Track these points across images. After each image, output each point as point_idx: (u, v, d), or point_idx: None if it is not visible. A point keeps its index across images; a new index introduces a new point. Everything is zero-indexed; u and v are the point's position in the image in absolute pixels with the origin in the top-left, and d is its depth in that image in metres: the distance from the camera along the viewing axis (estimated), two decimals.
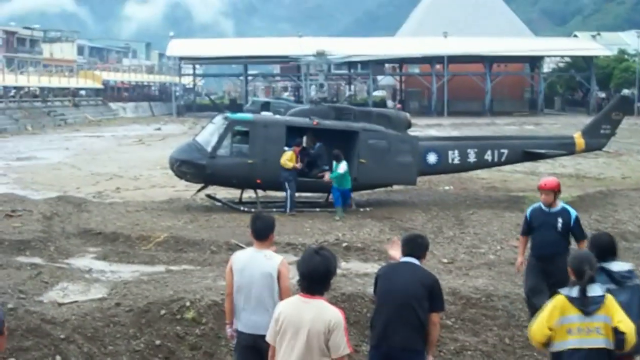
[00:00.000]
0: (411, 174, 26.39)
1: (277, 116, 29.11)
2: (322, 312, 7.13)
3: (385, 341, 8.38)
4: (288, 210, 24.19)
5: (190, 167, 25.26)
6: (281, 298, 8.47)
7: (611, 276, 8.61)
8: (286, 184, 24.36)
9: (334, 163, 24.14)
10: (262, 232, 8.93)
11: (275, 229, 9.22)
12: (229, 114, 26.91)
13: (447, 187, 31.17)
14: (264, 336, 7.87)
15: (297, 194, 24.80)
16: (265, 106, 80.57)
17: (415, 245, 8.82)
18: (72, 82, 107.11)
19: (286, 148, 24.76)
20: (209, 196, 26.13)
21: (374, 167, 25.13)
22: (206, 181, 25.63)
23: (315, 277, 7.21)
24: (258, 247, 8.91)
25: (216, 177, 25.27)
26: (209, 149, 25.01)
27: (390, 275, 8.74)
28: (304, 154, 25.88)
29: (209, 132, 26.03)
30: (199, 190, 26.19)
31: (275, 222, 9.22)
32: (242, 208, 24.94)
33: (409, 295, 8.37)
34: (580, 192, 29.18)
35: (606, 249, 8.96)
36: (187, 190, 28.06)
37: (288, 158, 24.16)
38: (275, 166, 24.38)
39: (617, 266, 8.77)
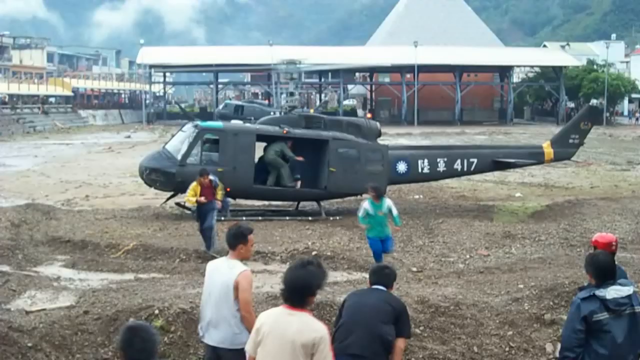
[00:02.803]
0: (381, 183, 26.43)
1: (247, 124, 29.09)
2: (307, 326, 6.94)
3: (345, 352, 8.32)
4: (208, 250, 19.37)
5: (159, 175, 25.18)
6: (240, 310, 8.46)
7: (605, 305, 7.76)
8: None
9: (375, 202, 17.71)
10: (229, 241, 8.86)
11: (254, 239, 9.17)
12: (199, 122, 26.85)
13: (416, 196, 31.23)
14: (225, 349, 7.90)
15: (267, 202, 24.61)
16: (239, 109, 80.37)
17: (382, 275, 8.89)
18: (42, 89, 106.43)
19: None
20: (178, 204, 26.02)
21: (344, 175, 25.13)
22: (176, 189, 25.52)
23: (296, 289, 7.04)
24: (229, 256, 8.83)
25: (186, 185, 25.08)
26: (179, 157, 24.94)
27: (359, 296, 8.85)
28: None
29: (178, 140, 25.96)
30: (168, 199, 26.11)
31: (252, 232, 9.01)
32: None
33: (375, 311, 8.38)
34: (549, 201, 29.41)
35: (605, 271, 7.97)
36: (156, 198, 27.96)
37: (190, 192, 20.08)
38: (245, 174, 24.39)
39: (613, 292, 7.82)
